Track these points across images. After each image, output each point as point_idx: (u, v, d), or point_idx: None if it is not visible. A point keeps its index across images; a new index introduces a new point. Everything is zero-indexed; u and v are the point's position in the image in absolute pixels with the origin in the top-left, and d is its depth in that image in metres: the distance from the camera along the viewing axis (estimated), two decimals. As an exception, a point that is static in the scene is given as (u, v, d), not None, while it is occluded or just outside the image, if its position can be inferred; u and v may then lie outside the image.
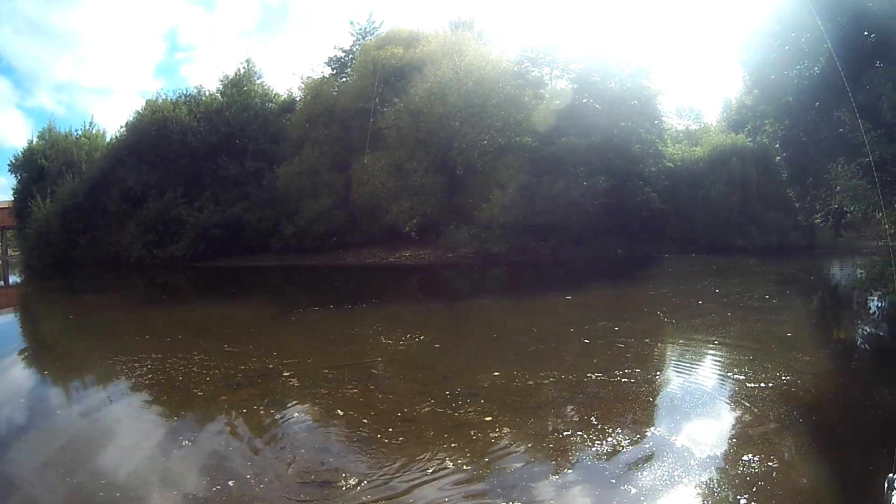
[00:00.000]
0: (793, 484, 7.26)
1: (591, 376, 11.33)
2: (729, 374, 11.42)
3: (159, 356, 13.37)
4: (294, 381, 11.56)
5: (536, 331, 15.92)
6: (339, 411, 9.85)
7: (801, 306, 19.99)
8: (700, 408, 9.78)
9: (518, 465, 7.74)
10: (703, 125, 53.43)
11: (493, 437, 8.56)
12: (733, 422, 9.26)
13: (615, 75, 38.84)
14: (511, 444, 8.34)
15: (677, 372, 12.03)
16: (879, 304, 17.05)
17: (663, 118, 43.73)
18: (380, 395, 10.60)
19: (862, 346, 14.69)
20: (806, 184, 31.51)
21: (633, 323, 16.56)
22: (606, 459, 7.83)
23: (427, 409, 9.70)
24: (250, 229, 42.46)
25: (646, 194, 36.33)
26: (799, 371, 11.40)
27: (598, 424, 8.97)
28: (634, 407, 9.79)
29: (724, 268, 27.41)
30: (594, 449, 8.14)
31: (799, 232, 34.67)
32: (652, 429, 8.88)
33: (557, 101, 37.60)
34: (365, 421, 9.35)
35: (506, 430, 8.82)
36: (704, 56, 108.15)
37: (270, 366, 12.59)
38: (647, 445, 8.26)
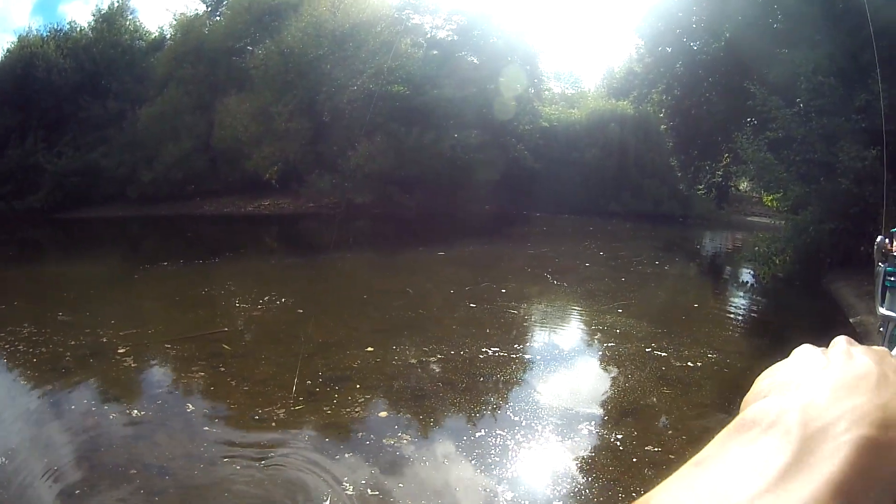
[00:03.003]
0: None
1: (486, 352, 9.84)
2: (648, 349, 10.42)
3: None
4: (129, 362, 9.27)
5: (412, 292, 14.03)
6: (177, 409, 7.71)
7: (697, 275, 19.56)
8: (629, 395, 8.68)
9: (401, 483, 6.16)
10: (581, 90, 53.18)
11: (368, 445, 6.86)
12: (673, 411, 8.25)
13: (498, 31, 38.31)
14: (395, 452, 6.71)
15: (589, 348, 10.98)
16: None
17: (543, 78, 43.59)
18: (231, 383, 8.48)
19: (767, 320, 13.88)
20: (691, 154, 31.93)
21: (521, 285, 15.28)
22: (523, 469, 6.61)
23: (282, 409, 7.60)
24: (108, 176, 38.37)
25: (518, 151, 35.50)
26: (721, 349, 10.62)
27: (503, 418, 7.66)
28: (548, 394, 8.52)
29: (600, 230, 26.92)
30: (505, 456, 6.79)
31: (674, 200, 34.94)
32: (579, 426, 7.63)
33: (435, 51, 36.76)
34: (208, 429, 7.12)
35: (384, 433, 7.12)
36: (588, 23, 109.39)
37: (104, 339, 10.20)
38: (577, 447, 7.11)
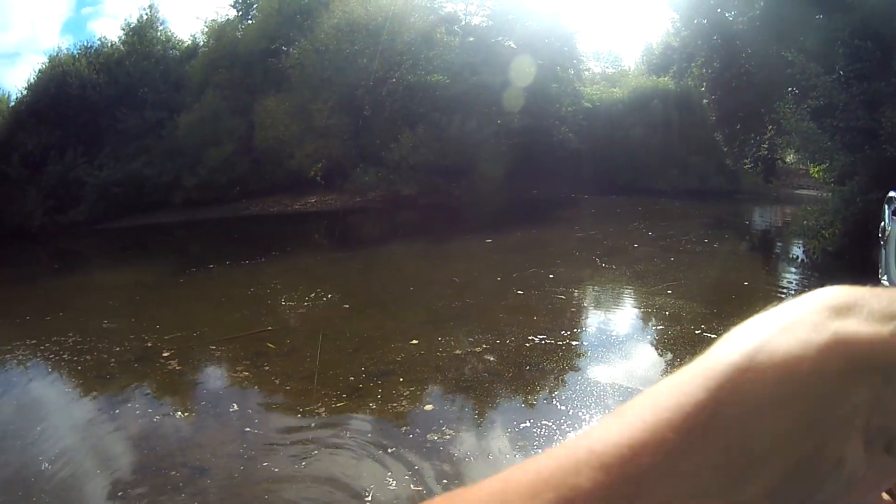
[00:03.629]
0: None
1: (533, 340, 9.69)
2: (698, 331, 10.19)
3: (32, 342, 11.00)
4: (174, 364, 9.37)
5: (458, 281, 13.88)
6: (220, 410, 7.82)
7: (747, 252, 19.04)
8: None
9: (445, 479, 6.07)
10: (621, 69, 52.25)
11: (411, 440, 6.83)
12: None
13: (532, 13, 37.71)
14: (439, 446, 6.66)
15: (639, 332, 10.78)
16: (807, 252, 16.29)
17: (582, 58, 42.80)
18: (275, 381, 8.55)
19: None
20: (735, 128, 31.06)
21: (569, 269, 14.97)
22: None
23: (322, 408, 7.62)
24: (151, 184, 38.48)
25: (562, 134, 35.03)
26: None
27: (550, 408, 7.57)
28: (597, 382, 8.38)
29: (649, 210, 26.33)
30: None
31: (721, 176, 34.03)
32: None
33: (471, 38, 36.26)
34: (249, 430, 7.16)
35: (429, 427, 7.04)
36: (625, 2, 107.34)
37: (149, 344, 10.33)
38: None
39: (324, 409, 7.50)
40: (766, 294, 12.75)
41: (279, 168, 36.92)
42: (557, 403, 7.68)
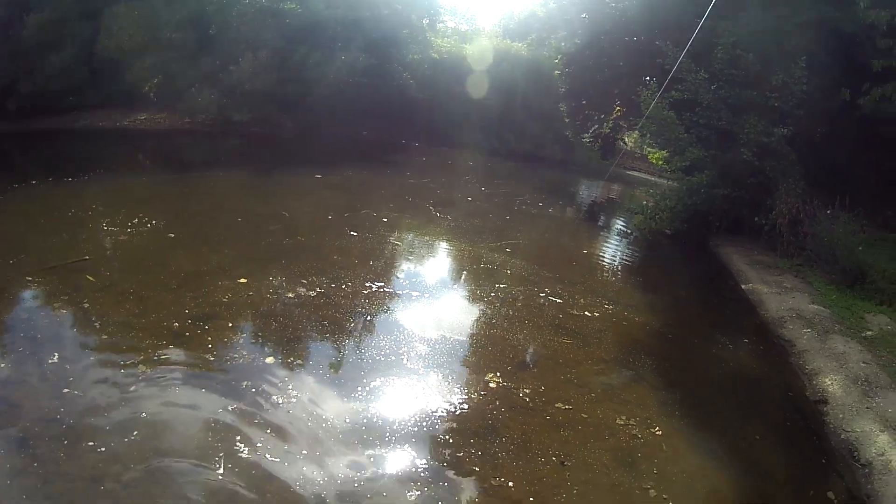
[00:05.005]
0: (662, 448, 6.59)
1: (371, 287, 9.22)
2: (542, 294, 10.15)
3: None
4: None
5: (288, 216, 12.92)
6: (36, 361, 6.60)
7: (580, 220, 19.37)
8: (530, 344, 8.43)
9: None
10: (475, 28, 51.90)
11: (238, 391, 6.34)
12: (576, 365, 8.02)
13: None
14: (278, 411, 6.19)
15: (482, 289, 10.35)
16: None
17: (439, 10, 41.95)
18: (95, 325, 7.37)
19: (658, 275, 13.85)
20: (582, 103, 31.69)
21: (403, 215, 14.55)
22: (415, 425, 6.29)
23: (143, 359, 6.67)
24: None
25: (404, 80, 34.16)
26: (616, 301, 10.48)
27: (393, 366, 7.26)
28: (443, 340, 8.11)
29: (481, 166, 26.37)
30: (394, 411, 6.49)
31: (557, 146, 34.61)
32: (484, 377, 7.34)
33: None
34: (68, 391, 6.08)
35: (263, 383, 6.56)
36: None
37: None
38: (484, 401, 6.85)
39: (145, 361, 6.58)
40: (606, 266, 12.99)
41: (116, 80, 33.73)
42: (406, 361, 7.34)
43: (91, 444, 5.29)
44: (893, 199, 13.72)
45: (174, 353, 6.78)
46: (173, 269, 8.91)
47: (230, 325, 7.52)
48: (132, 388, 6.09)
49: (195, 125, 30.14)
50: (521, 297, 9.81)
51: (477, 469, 5.76)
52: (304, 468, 5.33)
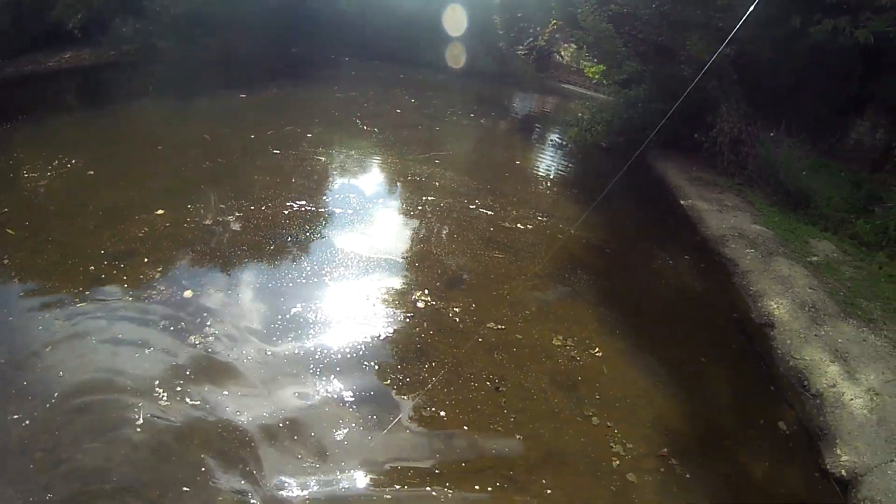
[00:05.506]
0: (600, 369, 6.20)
1: (292, 206, 8.54)
2: (472, 206, 9.51)
3: None
4: None
5: (210, 139, 11.83)
6: None
7: (513, 132, 18.43)
8: (459, 259, 7.84)
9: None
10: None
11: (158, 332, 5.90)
12: (508, 281, 7.48)
13: None
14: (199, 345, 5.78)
15: (408, 203, 9.69)
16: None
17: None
18: (14, 281, 6.60)
19: (594, 188, 13.19)
20: (517, 15, 30.73)
21: (328, 130, 13.39)
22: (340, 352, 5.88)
23: (60, 311, 6.04)
24: None
25: (333, -7, 32.44)
26: (551, 213, 9.87)
27: (316, 288, 6.77)
28: (368, 257, 7.60)
29: (412, 78, 25.01)
30: (321, 334, 6.09)
31: (490, 58, 33.58)
32: (410, 296, 6.86)
33: None
34: None
35: (176, 314, 6.12)
36: None
37: None
38: (412, 322, 6.41)
39: (61, 309, 5.94)
40: (539, 177, 12.29)
41: (40, 22, 31.37)
42: (329, 281, 6.83)
43: (13, 391, 5.02)
44: (838, 127, 13.44)
45: (90, 297, 6.14)
46: (91, 210, 8.00)
47: (146, 260, 6.83)
48: (49, 338, 5.60)
49: (120, 56, 28.43)
50: (449, 210, 9.16)
51: (406, 398, 5.33)
52: (224, 400, 5.05)
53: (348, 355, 5.72)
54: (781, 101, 13.09)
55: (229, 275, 6.76)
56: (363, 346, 5.84)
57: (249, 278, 6.76)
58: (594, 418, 5.41)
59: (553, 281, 7.58)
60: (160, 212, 7.96)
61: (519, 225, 8.94)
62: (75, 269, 6.56)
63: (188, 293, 6.31)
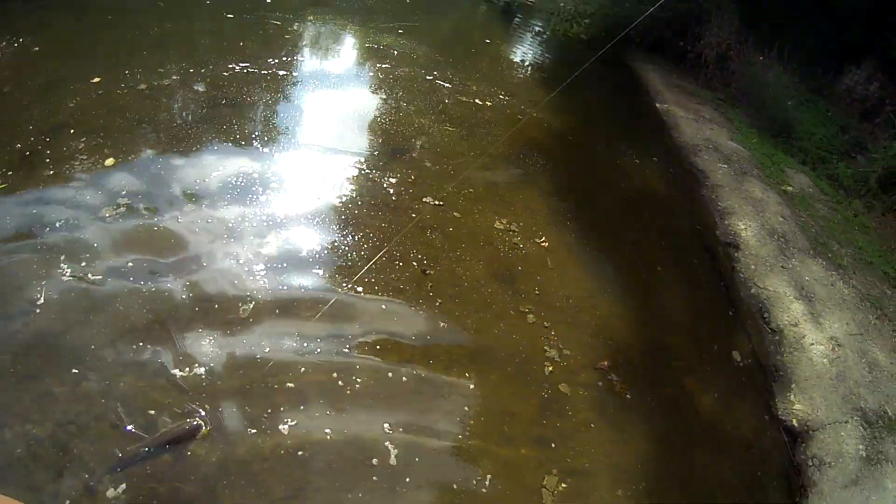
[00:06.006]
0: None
1: (233, 69, 7.56)
2: (429, 77, 8.56)
3: None
4: None
5: (163, 5, 10.47)
6: None
7: (489, 13, 16.83)
8: (405, 129, 6.98)
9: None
10: None
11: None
12: (457, 156, 6.66)
13: None
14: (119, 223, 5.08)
15: (358, 66, 8.83)
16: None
17: None
18: None
19: (565, 76, 12.32)
20: None
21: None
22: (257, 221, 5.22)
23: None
24: None
25: None
26: (515, 94, 8.88)
27: (253, 155, 6.00)
28: (309, 123, 6.85)
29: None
30: (255, 202, 5.39)
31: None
32: (344, 164, 6.08)
33: None
34: None
35: (110, 185, 5.44)
36: None
37: None
38: (339, 193, 5.68)
39: None
40: (508, 58, 11.29)
41: None
42: (262, 148, 6.04)
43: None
44: (832, 68, 12.77)
45: (17, 180, 5.34)
46: (29, 86, 6.93)
47: (72, 132, 5.93)
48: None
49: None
50: (404, 79, 8.24)
51: (322, 274, 4.70)
52: (131, 283, 4.44)
53: (265, 223, 5.03)
54: (778, 28, 12.34)
55: (158, 140, 5.91)
56: (282, 217, 5.13)
57: (173, 144, 5.91)
58: (530, 315, 4.72)
59: (506, 162, 6.75)
60: (96, 80, 7.01)
61: (478, 101, 8.02)
62: (2, 150, 5.75)
63: (110, 161, 5.53)
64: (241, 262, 4.62)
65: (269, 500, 3.46)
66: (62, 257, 4.43)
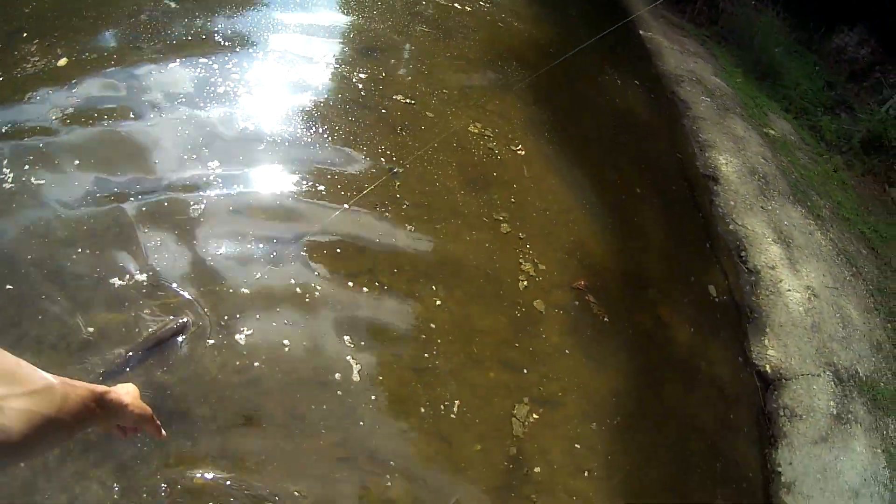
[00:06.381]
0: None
1: None
2: None
3: None
4: None
5: None
6: None
7: None
8: (376, 26, 6.36)
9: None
10: None
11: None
12: (430, 58, 6.15)
13: None
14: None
15: None
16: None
17: None
18: None
19: None
20: None
21: None
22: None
23: None
24: None
25: None
26: (496, 1, 8.17)
27: (209, 46, 5.32)
28: (271, 17, 6.08)
29: None
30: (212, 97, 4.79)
31: None
32: (312, 64, 5.46)
33: None
34: None
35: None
36: None
37: None
38: (306, 87, 5.13)
39: None
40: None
41: None
42: (221, 41, 5.36)
43: None
44: (823, 22, 12.50)
45: None
46: None
47: (25, 35, 5.25)
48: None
49: None
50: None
51: (280, 170, 4.25)
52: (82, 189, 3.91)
53: (227, 120, 4.49)
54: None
55: (116, 37, 5.30)
56: (249, 114, 4.58)
57: (132, 40, 5.27)
58: (504, 225, 4.33)
59: (483, 68, 6.24)
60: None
61: (457, 4, 7.41)
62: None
63: (62, 62, 4.93)
64: (197, 161, 4.13)
65: (224, 417, 3.10)
66: (5, 163, 3.93)
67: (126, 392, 1.30)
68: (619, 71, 7.91)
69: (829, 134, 8.93)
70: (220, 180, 4.04)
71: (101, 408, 1.22)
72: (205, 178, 4.04)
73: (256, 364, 3.27)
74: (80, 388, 1.14)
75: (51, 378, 1.07)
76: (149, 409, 1.37)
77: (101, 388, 1.22)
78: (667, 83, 8.09)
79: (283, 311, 3.53)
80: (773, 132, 8.01)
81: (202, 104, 4.56)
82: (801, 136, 8.44)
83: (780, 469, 4.36)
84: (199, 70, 4.88)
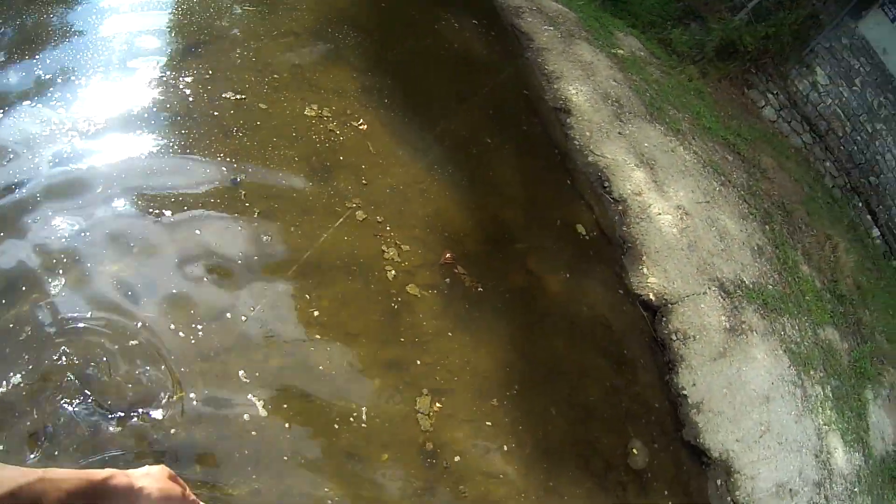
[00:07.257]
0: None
1: None
2: None
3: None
4: None
5: None
6: None
7: None
8: (197, 18, 5.85)
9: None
10: None
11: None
12: (254, 40, 5.74)
13: None
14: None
15: None
16: None
17: None
18: None
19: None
20: None
21: None
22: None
23: None
24: None
25: None
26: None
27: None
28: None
29: None
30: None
31: None
32: (131, 65, 5.00)
33: None
34: None
35: None
36: None
37: None
38: (131, 94, 4.72)
39: None
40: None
41: None
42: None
43: None
44: None
45: None
46: None
47: None
48: None
49: None
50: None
51: (121, 204, 3.89)
52: None
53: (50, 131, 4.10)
54: None
55: None
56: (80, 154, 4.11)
57: None
58: (359, 212, 4.21)
59: (313, 39, 5.95)
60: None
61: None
62: None
63: None
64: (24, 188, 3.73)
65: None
66: None
67: (144, 474, 1.19)
68: (453, 12, 7.69)
69: (681, 45, 9.14)
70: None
71: (102, 498, 1.12)
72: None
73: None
74: (67, 482, 1.08)
75: (26, 478, 1.02)
76: (177, 489, 1.23)
77: (102, 473, 1.13)
78: (505, 16, 7.94)
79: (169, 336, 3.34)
80: (621, 51, 8.07)
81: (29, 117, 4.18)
82: (650, 51, 8.58)
83: (685, 392, 4.50)
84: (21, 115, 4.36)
